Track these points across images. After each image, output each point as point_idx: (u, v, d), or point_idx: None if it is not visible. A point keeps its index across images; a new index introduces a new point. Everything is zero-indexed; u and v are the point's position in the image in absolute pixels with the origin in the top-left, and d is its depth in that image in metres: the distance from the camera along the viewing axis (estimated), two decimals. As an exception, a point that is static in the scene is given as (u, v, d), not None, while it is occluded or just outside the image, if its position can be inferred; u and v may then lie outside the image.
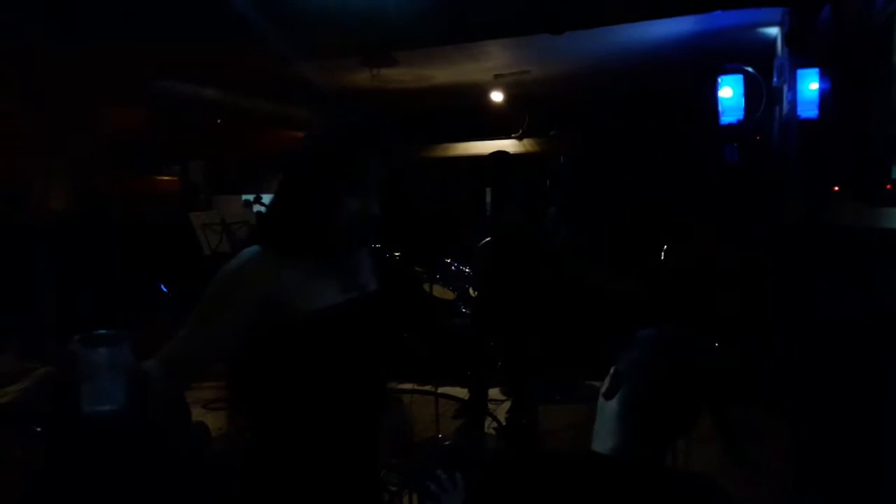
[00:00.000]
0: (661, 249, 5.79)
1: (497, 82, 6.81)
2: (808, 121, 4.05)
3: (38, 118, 6.00)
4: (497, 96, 7.15)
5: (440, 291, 5.81)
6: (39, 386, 3.25)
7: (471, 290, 5.70)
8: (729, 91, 5.01)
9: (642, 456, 1.29)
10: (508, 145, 7.84)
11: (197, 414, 4.75)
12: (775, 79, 5.13)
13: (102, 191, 6.33)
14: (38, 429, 2.63)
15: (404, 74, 6.31)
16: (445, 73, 6.39)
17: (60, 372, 3.15)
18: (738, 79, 5.00)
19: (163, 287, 5.42)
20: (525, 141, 7.88)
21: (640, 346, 1.37)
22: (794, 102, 4.22)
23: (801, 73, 4.05)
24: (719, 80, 5.01)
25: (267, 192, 6.76)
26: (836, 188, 3.69)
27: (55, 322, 5.15)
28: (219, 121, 7.41)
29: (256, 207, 5.14)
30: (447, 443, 3.45)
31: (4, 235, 5.63)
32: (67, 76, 5.55)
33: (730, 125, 5.09)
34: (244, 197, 7.72)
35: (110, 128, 6.68)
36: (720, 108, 5.04)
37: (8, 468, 2.73)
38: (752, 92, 5.05)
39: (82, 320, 4.69)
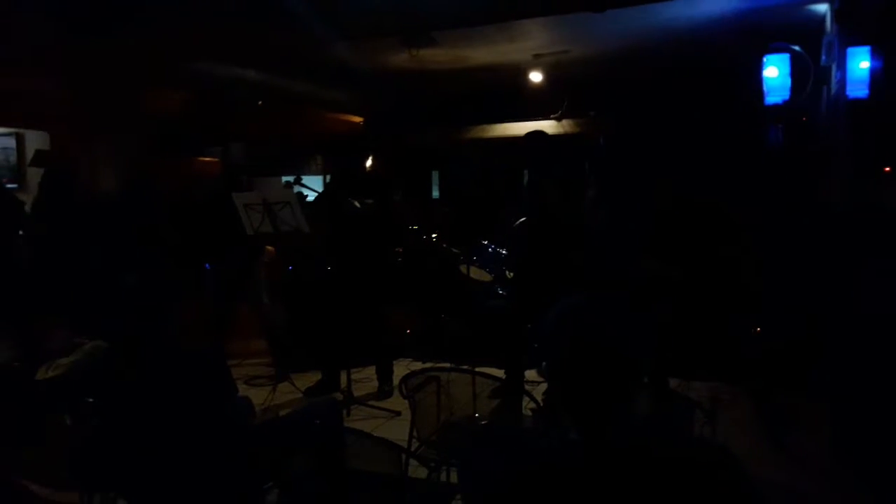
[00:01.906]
0: (704, 234, 5.70)
1: (536, 62, 6.75)
2: (857, 101, 3.94)
3: (86, 102, 6.15)
4: (536, 76, 7.08)
5: (477, 273, 5.83)
6: (89, 359, 3.37)
7: (507, 272, 5.70)
8: (774, 70, 4.88)
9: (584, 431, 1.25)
10: (547, 126, 7.77)
11: (240, 389, 4.88)
12: (824, 57, 4.98)
13: (147, 172, 6.46)
14: (90, 399, 2.72)
15: (443, 55, 6.29)
16: (484, 53, 6.36)
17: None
18: (784, 58, 4.87)
19: (207, 265, 5.53)
20: (564, 122, 7.80)
21: (549, 325, 1.31)
22: (842, 82, 4.11)
23: (851, 51, 3.93)
24: (765, 59, 4.89)
25: (306, 173, 6.86)
26: (887, 170, 3.60)
27: (103, 300, 5.29)
28: (259, 102, 7.49)
29: (297, 188, 5.20)
30: (484, 422, 3.47)
31: (53, 216, 5.80)
32: (112, 60, 5.66)
33: (775, 106, 4.96)
34: (284, 178, 7.83)
35: (154, 110, 6.81)
36: (765, 89, 4.92)
37: (60, 436, 2.84)
38: (798, 71, 4.92)
39: (129, 298, 4.82)
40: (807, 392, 4.30)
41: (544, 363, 1.30)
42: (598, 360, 1.24)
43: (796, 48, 4.88)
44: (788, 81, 4.86)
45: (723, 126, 6.34)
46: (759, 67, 4.93)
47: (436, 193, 9.28)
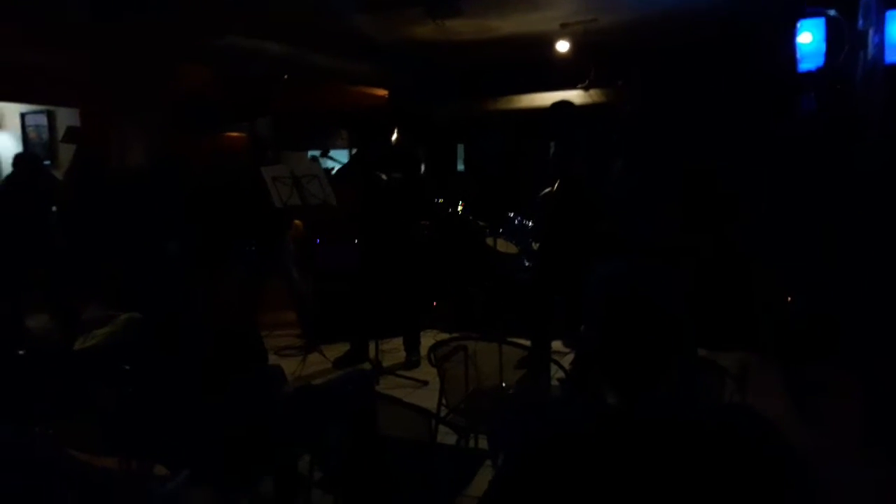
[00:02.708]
0: (733, 204, 5.63)
1: (563, 32, 6.65)
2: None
3: (115, 78, 6.20)
4: (562, 46, 6.99)
5: (503, 245, 5.83)
6: (125, 329, 3.44)
7: (534, 244, 5.69)
8: (808, 36, 4.76)
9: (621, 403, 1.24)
10: (574, 96, 7.67)
11: (271, 360, 4.95)
12: (860, 21, 4.84)
13: (176, 147, 6.52)
14: (126, 367, 2.78)
15: (468, 26, 6.23)
16: (510, 23, 6.28)
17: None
18: (818, 22, 4.74)
19: (237, 240, 5.60)
20: (591, 91, 7.70)
21: (591, 288, 1.30)
22: (881, 46, 4.00)
23: (890, 14, 3.83)
24: (798, 24, 4.77)
25: (332, 147, 6.87)
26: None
27: (135, 272, 5.38)
28: (285, 77, 7.49)
29: (325, 162, 5.22)
30: (511, 391, 3.50)
31: (85, 191, 5.90)
32: (140, 36, 5.70)
33: (809, 72, 4.85)
34: (310, 153, 7.85)
35: (181, 85, 6.85)
36: (798, 55, 4.80)
37: (100, 405, 2.91)
38: (833, 36, 4.79)
39: (160, 273, 4.91)
40: (837, 361, 4.26)
41: (582, 326, 1.30)
42: (641, 325, 1.24)
43: (831, 12, 4.75)
44: (823, 47, 4.74)
45: (754, 94, 6.22)
46: (792, 33, 4.82)
47: (461, 166, 9.26)
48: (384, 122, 5.50)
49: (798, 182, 5.28)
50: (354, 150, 5.66)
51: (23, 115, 8.03)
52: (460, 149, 9.24)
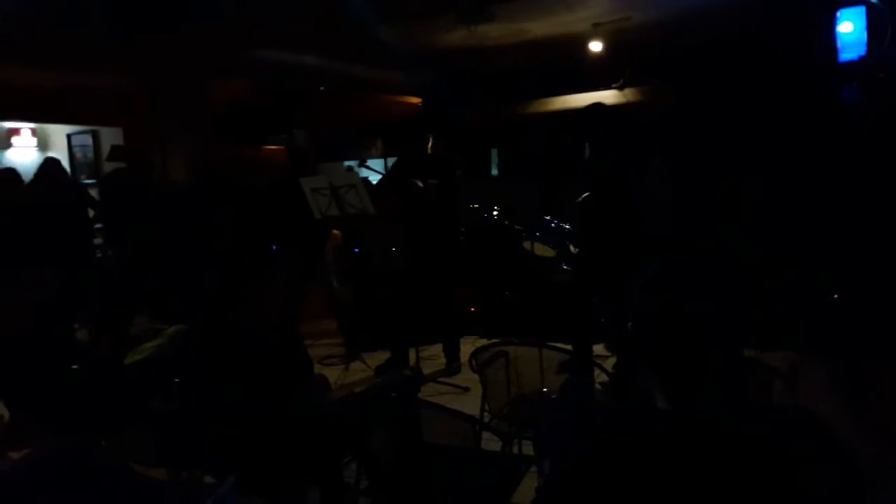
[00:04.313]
0: (775, 201, 5.52)
1: (596, 31, 6.62)
2: (941, 52, 3.74)
3: (155, 95, 6.36)
4: (596, 46, 6.94)
5: (540, 249, 5.80)
6: (173, 342, 3.51)
7: (571, 247, 5.64)
8: (849, 25, 4.67)
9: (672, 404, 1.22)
10: (609, 96, 7.61)
11: (314, 369, 5.00)
12: (903, 8, 4.74)
13: (217, 161, 6.64)
14: (175, 380, 2.84)
15: (501, 30, 6.24)
16: (542, 25, 6.27)
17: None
18: (859, 11, 4.65)
19: (273, 247, 5.67)
20: (626, 91, 7.63)
21: (640, 286, 1.27)
22: (924, 33, 3.90)
23: (933, -1, 3.72)
24: (838, 13, 4.68)
25: (367, 157, 6.91)
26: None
27: (176, 287, 5.49)
28: (322, 88, 7.58)
29: (362, 171, 5.25)
30: (554, 396, 3.48)
31: (132, 207, 6.03)
32: (179, 52, 5.82)
33: (850, 62, 4.75)
34: (346, 163, 7.93)
35: (220, 100, 6.98)
36: (839, 45, 4.72)
37: (151, 417, 2.97)
38: (875, 25, 4.69)
39: (202, 285, 4.99)
40: (889, 358, 4.14)
41: (628, 325, 1.28)
42: (687, 325, 1.21)
43: (873, 0, 4.65)
44: (864, 36, 4.65)
45: (793, 87, 6.09)
46: (832, 23, 4.73)
47: (495, 171, 9.24)
48: (418, 130, 5.52)
49: (844, 175, 5.15)
50: (392, 161, 5.70)
51: (69, 136, 8.28)
52: (494, 153, 9.23)
